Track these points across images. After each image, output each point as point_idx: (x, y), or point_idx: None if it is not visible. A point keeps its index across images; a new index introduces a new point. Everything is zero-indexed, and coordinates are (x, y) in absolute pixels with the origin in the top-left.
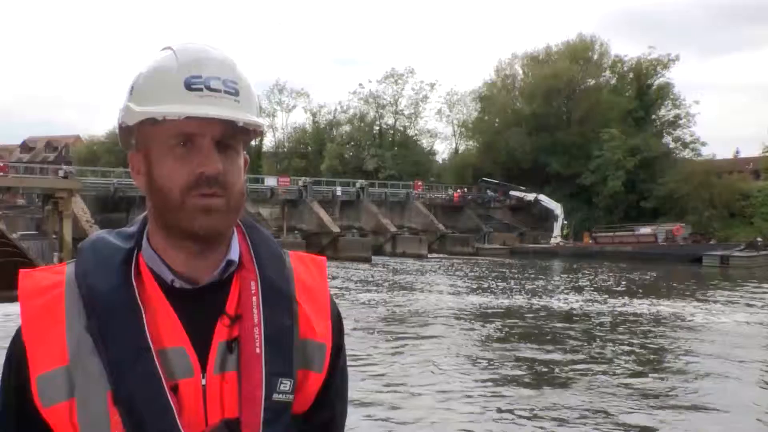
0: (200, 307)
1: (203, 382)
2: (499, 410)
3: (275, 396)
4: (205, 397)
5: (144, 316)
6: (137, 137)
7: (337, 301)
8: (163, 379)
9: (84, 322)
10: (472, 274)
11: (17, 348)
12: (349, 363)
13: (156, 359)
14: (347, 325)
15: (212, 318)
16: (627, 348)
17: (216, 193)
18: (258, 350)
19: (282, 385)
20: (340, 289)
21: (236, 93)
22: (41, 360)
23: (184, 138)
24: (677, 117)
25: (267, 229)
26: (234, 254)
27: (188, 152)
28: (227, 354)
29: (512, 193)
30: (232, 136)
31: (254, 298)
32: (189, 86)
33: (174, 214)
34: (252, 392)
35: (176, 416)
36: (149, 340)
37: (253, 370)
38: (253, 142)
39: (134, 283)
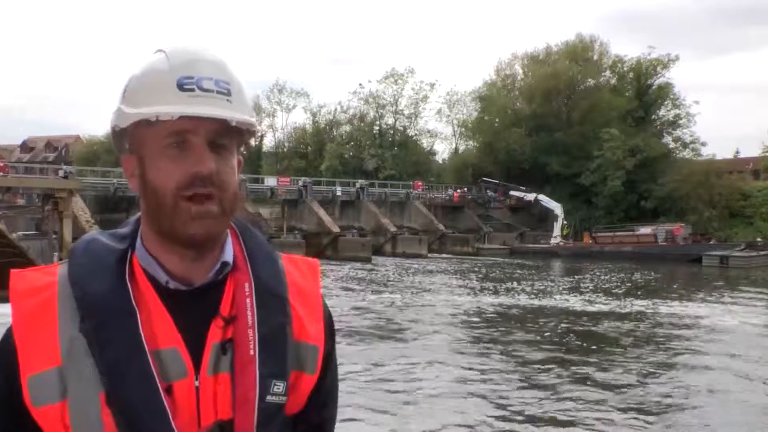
0: (194, 308)
1: (196, 383)
2: (503, 408)
3: (269, 398)
4: (198, 398)
5: (139, 317)
6: (130, 140)
7: (336, 301)
8: (157, 380)
9: (77, 323)
10: (473, 274)
11: (7, 348)
12: (349, 364)
13: (151, 360)
14: (347, 325)
15: (206, 319)
16: (628, 348)
17: (210, 193)
18: (252, 352)
19: (275, 387)
20: (340, 289)
21: (228, 93)
22: (33, 361)
23: (177, 139)
24: (677, 117)
25: (267, 229)
26: (228, 256)
27: (181, 153)
28: (221, 355)
29: (512, 193)
30: (225, 135)
31: (248, 300)
32: (181, 87)
33: (167, 218)
34: (245, 394)
35: (170, 418)
36: (144, 341)
37: (247, 371)
38: (252, 143)
39: (129, 284)
